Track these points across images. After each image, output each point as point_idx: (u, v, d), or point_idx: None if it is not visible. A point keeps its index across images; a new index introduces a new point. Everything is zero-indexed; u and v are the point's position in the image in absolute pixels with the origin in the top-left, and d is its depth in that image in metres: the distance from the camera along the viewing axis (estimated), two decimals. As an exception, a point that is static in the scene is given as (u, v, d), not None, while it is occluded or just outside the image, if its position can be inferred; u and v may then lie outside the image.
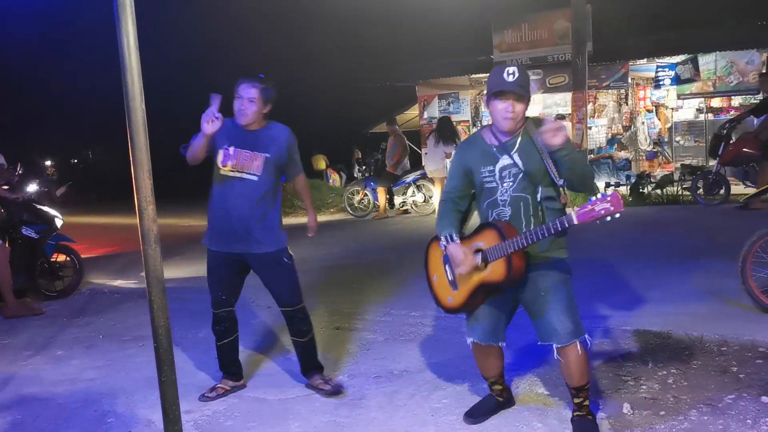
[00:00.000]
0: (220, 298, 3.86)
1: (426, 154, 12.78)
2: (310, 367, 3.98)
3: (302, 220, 12.65)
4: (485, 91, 3.08)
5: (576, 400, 3.11)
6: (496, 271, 2.93)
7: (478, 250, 2.99)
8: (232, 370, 4.01)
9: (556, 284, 3.00)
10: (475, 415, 3.34)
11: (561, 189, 2.96)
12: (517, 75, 2.94)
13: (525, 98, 2.98)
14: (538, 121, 3.06)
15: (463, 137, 11.72)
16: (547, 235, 2.82)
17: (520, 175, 2.98)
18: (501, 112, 2.97)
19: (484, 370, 3.32)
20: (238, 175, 3.70)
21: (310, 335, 3.95)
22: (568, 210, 2.76)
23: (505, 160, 3.01)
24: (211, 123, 3.46)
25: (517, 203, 3.00)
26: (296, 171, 3.99)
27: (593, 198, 2.68)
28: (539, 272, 3.01)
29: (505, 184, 3.01)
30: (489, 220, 3.06)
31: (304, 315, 3.94)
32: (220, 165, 3.72)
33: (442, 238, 3.09)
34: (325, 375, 3.99)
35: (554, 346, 2.98)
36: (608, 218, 2.65)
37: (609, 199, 2.63)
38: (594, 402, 3.42)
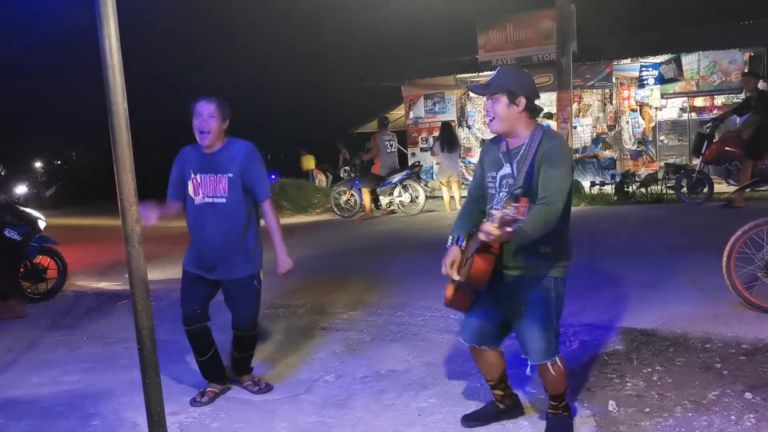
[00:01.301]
0: (195, 313, 3.76)
1: (438, 164, 12.58)
2: (241, 372, 4.00)
3: (286, 221, 12.67)
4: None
5: (552, 403, 3.12)
6: (463, 271, 2.88)
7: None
8: (218, 375, 3.98)
9: (535, 301, 2.87)
10: (471, 419, 3.27)
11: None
12: (493, 75, 2.84)
13: (502, 96, 2.78)
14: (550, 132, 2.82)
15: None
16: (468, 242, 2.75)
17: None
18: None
19: (482, 371, 3.26)
20: (209, 200, 3.63)
21: (251, 352, 3.97)
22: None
23: (506, 169, 2.85)
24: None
25: None
26: (260, 193, 3.69)
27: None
28: (521, 286, 2.89)
29: (501, 194, 2.85)
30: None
31: (254, 338, 3.95)
32: (192, 195, 3.66)
33: (451, 238, 3.00)
34: (254, 377, 4.01)
35: (528, 361, 2.96)
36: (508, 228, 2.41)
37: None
38: (580, 399, 3.45)
